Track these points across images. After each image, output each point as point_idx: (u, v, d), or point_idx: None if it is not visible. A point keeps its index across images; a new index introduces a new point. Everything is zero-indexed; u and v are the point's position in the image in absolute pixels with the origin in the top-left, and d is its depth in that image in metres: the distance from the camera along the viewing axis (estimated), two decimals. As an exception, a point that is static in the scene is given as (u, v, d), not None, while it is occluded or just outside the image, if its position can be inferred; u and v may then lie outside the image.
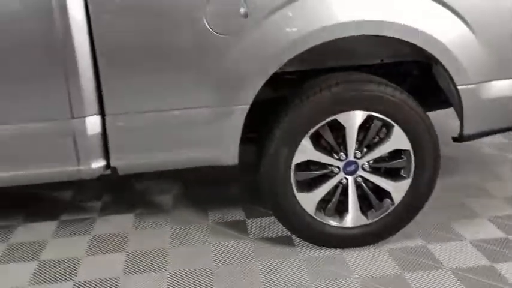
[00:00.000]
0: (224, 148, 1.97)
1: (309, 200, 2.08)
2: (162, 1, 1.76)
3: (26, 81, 1.77)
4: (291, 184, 2.04)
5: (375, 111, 1.96)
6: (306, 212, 2.08)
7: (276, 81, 2.03)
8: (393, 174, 2.10)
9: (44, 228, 2.42)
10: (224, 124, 1.92)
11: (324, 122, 1.96)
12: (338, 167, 2.06)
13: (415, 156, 2.03)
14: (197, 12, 1.76)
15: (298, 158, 2.00)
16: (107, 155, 1.93)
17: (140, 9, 1.76)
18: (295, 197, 2.06)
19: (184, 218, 2.47)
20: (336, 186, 2.10)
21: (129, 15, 1.76)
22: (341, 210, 2.13)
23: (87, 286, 1.98)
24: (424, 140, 2.01)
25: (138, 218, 2.49)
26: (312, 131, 1.97)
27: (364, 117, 1.97)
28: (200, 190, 2.77)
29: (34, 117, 1.81)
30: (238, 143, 1.97)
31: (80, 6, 1.71)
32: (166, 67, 1.84)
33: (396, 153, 2.07)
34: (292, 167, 2.01)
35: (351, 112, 1.96)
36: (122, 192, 2.79)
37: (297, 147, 1.98)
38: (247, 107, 1.90)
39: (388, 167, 2.11)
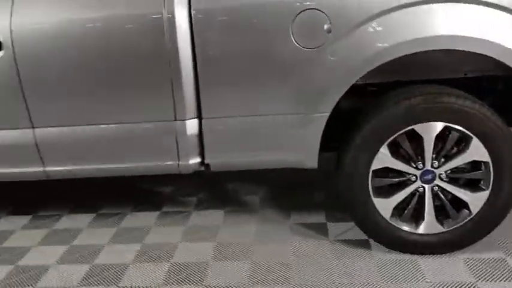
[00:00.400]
0: (305, 152, 2.16)
1: (385, 205, 2.18)
2: (255, 18, 2.00)
3: (141, 88, 2.10)
4: (368, 189, 2.16)
5: (453, 123, 2.02)
6: (381, 216, 2.19)
7: (360, 92, 2.18)
8: (471, 185, 2.14)
9: (148, 217, 2.77)
10: (306, 130, 2.11)
11: (401, 132, 2.06)
12: (415, 176, 2.14)
13: (494, 168, 2.05)
14: (285, 28, 1.98)
15: (376, 164, 2.12)
16: (202, 153, 2.20)
17: (237, 26, 2.01)
18: (372, 201, 2.17)
19: (269, 217, 2.68)
20: (412, 194, 2.18)
21: (228, 31, 2.02)
22: (417, 216, 2.20)
23: (181, 267, 2.26)
24: (504, 153, 2.03)
25: (228, 214, 2.75)
26: (390, 139, 2.08)
27: (442, 128, 2.04)
28: (285, 193, 2.96)
29: (146, 118, 2.15)
30: (318, 148, 2.14)
31: (185, 23, 2.01)
32: (258, 77, 2.07)
33: (476, 164, 2.11)
34: (370, 173, 2.13)
35: (429, 123, 2.04)
36: (215, 191, 3.07)
37: (375, 154, 2.10)
38: (327, 114, 2.07)
39: (466, 177, 2.15)
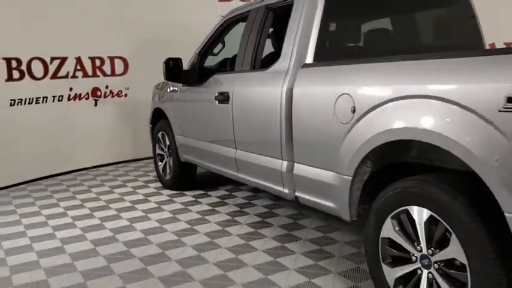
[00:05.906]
0: (341, 205, 2.65)
1: (389, 273, 2.37)
2: (316, 99, 2.75)
3: (268, 137, 3.21)
4: (378, 253, 2.42)
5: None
6: (387, 283, 2.39)
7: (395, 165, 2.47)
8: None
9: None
10: (340, 186, 2.62)
11: (399, 210, 2.28)
12: (416, 256, 2.24)
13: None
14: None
15: (384, 232, 2.37)
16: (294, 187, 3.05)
17: (311, 106, 2.82)
18: (381, 266, 2.42)
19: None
20: (413, 273, 2.26)
21: (303, 110, 2.87)
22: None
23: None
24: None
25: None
26: (392, 213, 2.31)
27: (428, 216, 2.13)
28: None
29: (266, 153, 3.25)
30: (348, 204, 2.58)
31: (288, 107, 2.98)
32: (316, 140, 2.81)
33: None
34: (380, 239, 2.39)
35: (418, 208, 2.18)
36: None
37: (383, 223, 2.37)
38: (350, 178, 2.53)
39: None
